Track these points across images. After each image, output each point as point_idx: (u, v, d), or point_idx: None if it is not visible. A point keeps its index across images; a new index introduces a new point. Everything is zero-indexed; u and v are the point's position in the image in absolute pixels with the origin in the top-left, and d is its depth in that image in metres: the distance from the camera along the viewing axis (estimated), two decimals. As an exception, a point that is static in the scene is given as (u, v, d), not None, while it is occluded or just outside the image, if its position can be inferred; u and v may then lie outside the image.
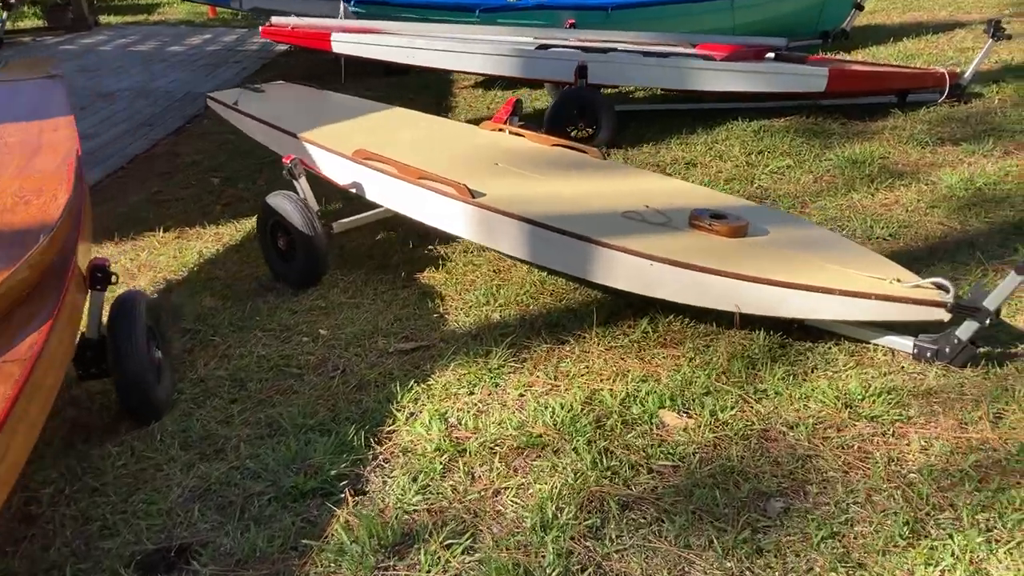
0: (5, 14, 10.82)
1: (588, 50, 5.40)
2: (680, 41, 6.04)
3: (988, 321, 2.60)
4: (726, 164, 4.95)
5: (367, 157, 3.76)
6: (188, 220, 4.70)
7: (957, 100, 5.79)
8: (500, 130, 4.30)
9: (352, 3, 6.98)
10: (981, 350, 2.78)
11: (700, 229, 3.14)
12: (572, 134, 5.35)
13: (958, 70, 5.78)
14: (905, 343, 2.82)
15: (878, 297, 2.72)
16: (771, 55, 5.86)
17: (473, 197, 3.37)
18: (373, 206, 3.86)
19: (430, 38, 5.55)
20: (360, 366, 3.08)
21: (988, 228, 3.84)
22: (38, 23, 13.02)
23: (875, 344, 2.93)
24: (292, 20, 5.74)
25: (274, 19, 5.78)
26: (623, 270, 3.02)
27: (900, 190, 4.39)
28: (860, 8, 8.02)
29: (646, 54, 5.41)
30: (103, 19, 13.22)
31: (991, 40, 5.71)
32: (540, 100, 6.53)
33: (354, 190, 3.85)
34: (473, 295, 3.56)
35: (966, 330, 2.65)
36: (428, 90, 7.31)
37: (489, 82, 7.29)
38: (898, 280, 2.78)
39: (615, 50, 5.46)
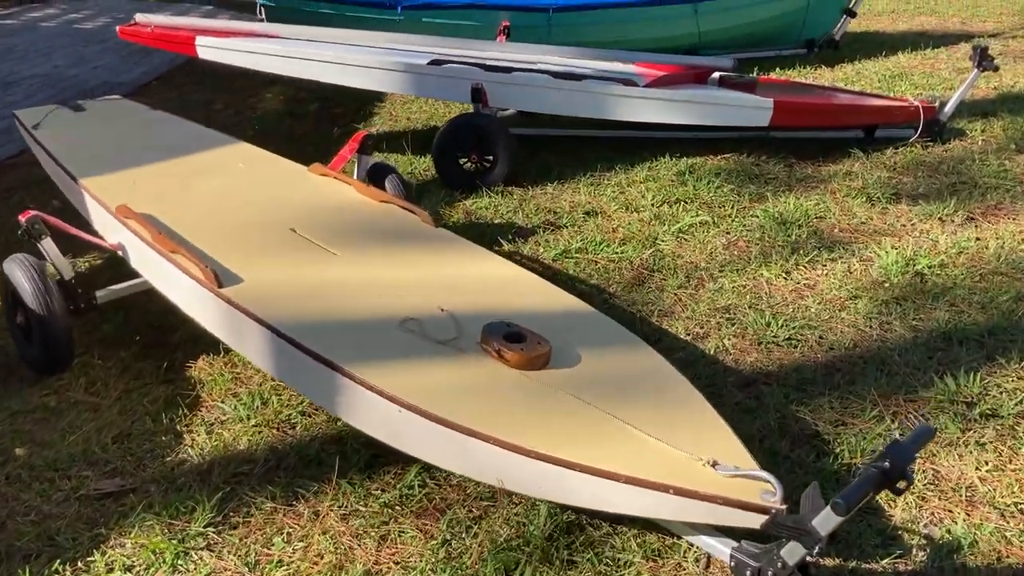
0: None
1: (488, 68, 4.58)
2: (618, 58, 5.19)
3: (817, 549, 1.79)
4: (631, 217, 4.13)
5: (128, 216, 3.01)
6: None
7: (933, 139, 4.90)
8: (329, 176, 3.52)
9: (261, -4, 6.21)
10: None
11: (488, 354, 2.35)
12: (465, 166, 4.56)
13: (936, 103, 4.87)
14: (723, 549, 2.02)
15: (677, 491, 1.92)
16: (717, 76, 4.99)
17: (221, 285, 2.61)
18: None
19: (306, 47, 4.75)
20: (25, 520, 2.34)
21: (911, 339, 3.00)
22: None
23: (689, 542, 2.13)
24: (156, 19, 4.97)
25: (138, 16, 5.02)
26: (369, 413, 2.26)
27: (823, 268, 3.55)
28: (852, 15, 7.06)
29: (556, 75, 4.57)
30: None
31: (976, 70, 4.81)
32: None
33: (121, 252, 3.11)
34: (238, 401, 2.80)
35: (791, 553, 1.84)
36: (346, 97, 6.51)
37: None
38: (715, 464, 1.97)
39: (522, 70, 4.62)
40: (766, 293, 3.38)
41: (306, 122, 6.17)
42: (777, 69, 6.66)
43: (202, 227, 3.02)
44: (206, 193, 3.35)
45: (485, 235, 3.99)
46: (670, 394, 2.27)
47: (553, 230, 4.02)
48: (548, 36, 6.30)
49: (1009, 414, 2.55)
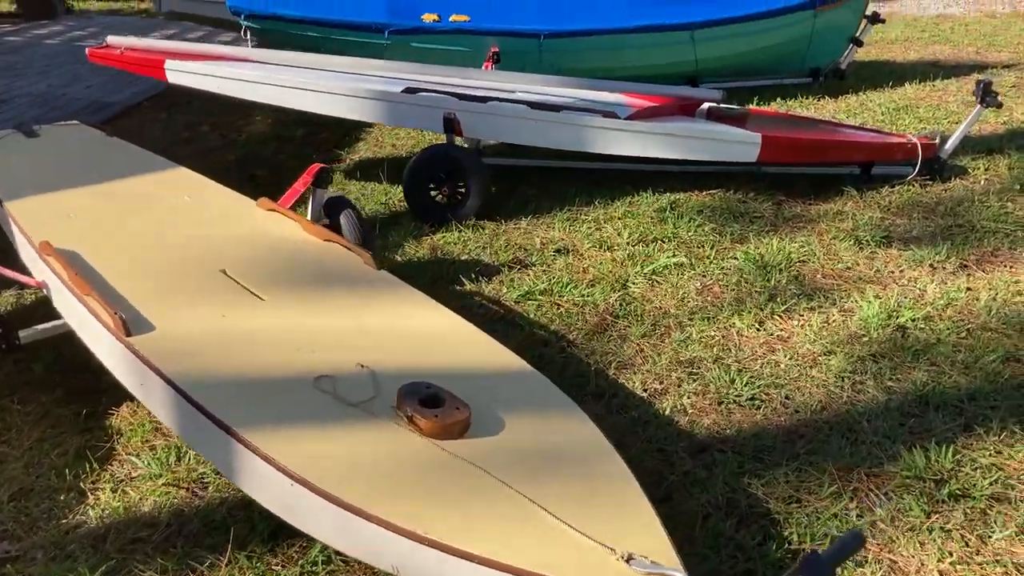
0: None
1: (463, 97, 4.40)
2: (607, 88, 4.98)
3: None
4: (603, 256, 3.92)
5: (48, 253, 2.85)
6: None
7: (932, 177, 4.66)
8: (277, 211, 3.34)
9: (243, 16, 6.08)
10: None
11: (401, 419, 2.15)
12: (437, 198, 4.37)
13: (936, 140, 4.63)
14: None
15: (579, 594, 1.71)
16: (706, 107, 4.78)
17: (129, 333, 2.43)
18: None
19: (277, 72, 4.60)
20: None
21: (884, 402, 2.76)
22: (12, 8, 12.46)
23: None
24: (128, 41, 4.84)
25: (109, 39, 4.89)
26: (264, 484, 2.06)
27: (800, 318, 3.32)
28: (859, 44, 6.84)
29: (534, 105, 4.38)
30: (82, 4, 12.57)
31: (980, 106, 4.57)
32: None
33: (45, 290, 2.95)
34: (152, 455, 2.62)
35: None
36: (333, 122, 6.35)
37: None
38: (629, 558, 1.75)
39: (498, 99, 4.44)
40: (735, 345, 3.15)
41: (291, 147, 6.03)
42: (778, 99, 6.44)
43: (128, 266, 2.85)
44: (142, 228, 3.18)
45: (448, 273, 3.80)
46: (598, 472, 2.05)
47: (521, 269, 3.81)
48: (539, 63, 6.12)
49: (981, 495, 2.31)
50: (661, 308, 3.45)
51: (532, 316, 3.42)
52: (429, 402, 2.15)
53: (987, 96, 4.54)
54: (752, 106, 6.02)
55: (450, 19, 6.12)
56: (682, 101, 4.76)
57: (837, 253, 3.88)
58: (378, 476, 1.97)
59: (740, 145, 4.35)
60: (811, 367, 2.99)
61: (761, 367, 3.00)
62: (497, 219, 4.37)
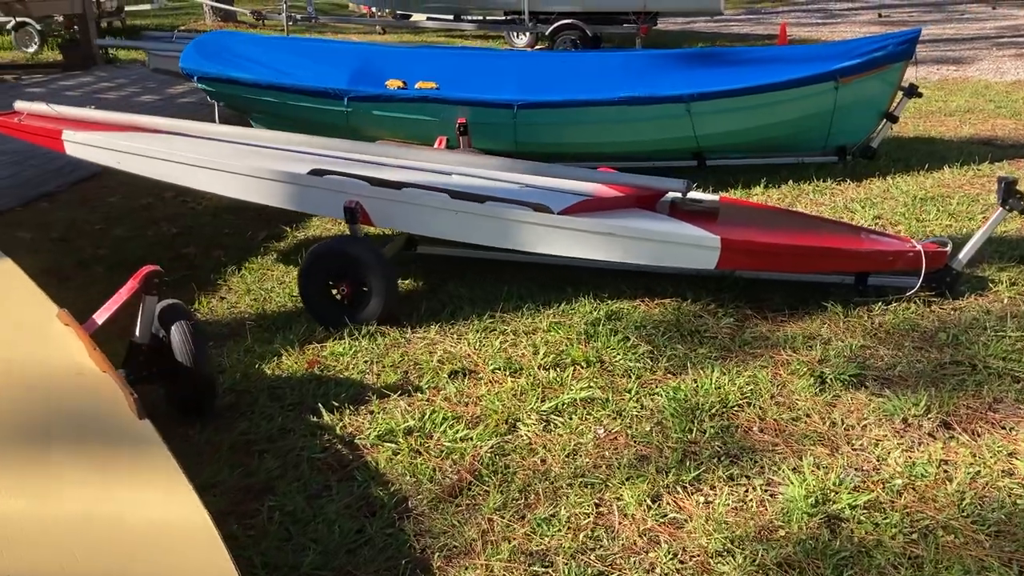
0: (-23, 51, 10.23)
1: (376, 182, 3.81)
2: (575, 176, 4.21)
3: None
4: (505, 383, 3.24)
5: None
6: None
7: (941, 293, 3.84)
8: (70, 327, 2.78)
9: (196, 79, 5.65)
10: None
11: None
12: (338, 297, 3.77)
13: (947, 247, 3.82)
14: None
15: None
16: (672, 197, 4.07)
17: None
18: None
19: (178, 145, 4.10)
20: None
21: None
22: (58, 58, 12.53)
23: None
24: (33, 107, 4.43)
25: (17, 104, 4.49)
26: None
27: (708, 494, 2.57)
28: (893, 120, 6.02)
29: (455, 194, 3.76)
30: (124, 54, 12.51)
31: (1002, 209, 3.77)
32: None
33: None
34: None
35: None
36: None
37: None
38: None
39: (416, 185, 3.83)
40: (610, 531, 2.42)
41: (244, 219, 5.53)
42: (790, 182, 5.67)
43: None
44: None
45: (311, 396, 3.18)
46: None
47: (398, 396, 3.17)
48: (513, 137, 5.51)
49: None
50: (542, 464, 2.75)
51: (380, 467, 2.76)
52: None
53: (1010, 197, 3.73)
54: (735, 196, 5.29)
55: (416, 86, 5.57)
56: (641, 192, 4.06)
57: (790, 395, 3.11)
58: None
59: (694, 250, 3.63)
60: (697, 571, 2.24)
61: (632, 569, 2.26)
62: (404, 325, 3.74)
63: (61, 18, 13.01)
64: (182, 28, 17.07)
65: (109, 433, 2.26)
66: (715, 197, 4.38)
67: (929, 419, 2.92)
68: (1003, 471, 2.63)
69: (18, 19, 13.37)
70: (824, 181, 5.66)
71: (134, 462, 2.16)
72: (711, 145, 5.72)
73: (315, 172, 3.89)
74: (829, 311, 3.75)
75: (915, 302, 3.80)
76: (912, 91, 6.00)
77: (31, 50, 13.62)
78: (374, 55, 5.97)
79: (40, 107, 4.42)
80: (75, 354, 2.62)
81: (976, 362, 3.28)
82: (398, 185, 3.83)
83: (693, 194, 4.28)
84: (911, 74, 5.95)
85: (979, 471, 2.63)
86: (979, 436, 2.83)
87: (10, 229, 5.41)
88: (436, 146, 4.85)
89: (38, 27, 13.76)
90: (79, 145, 4.17)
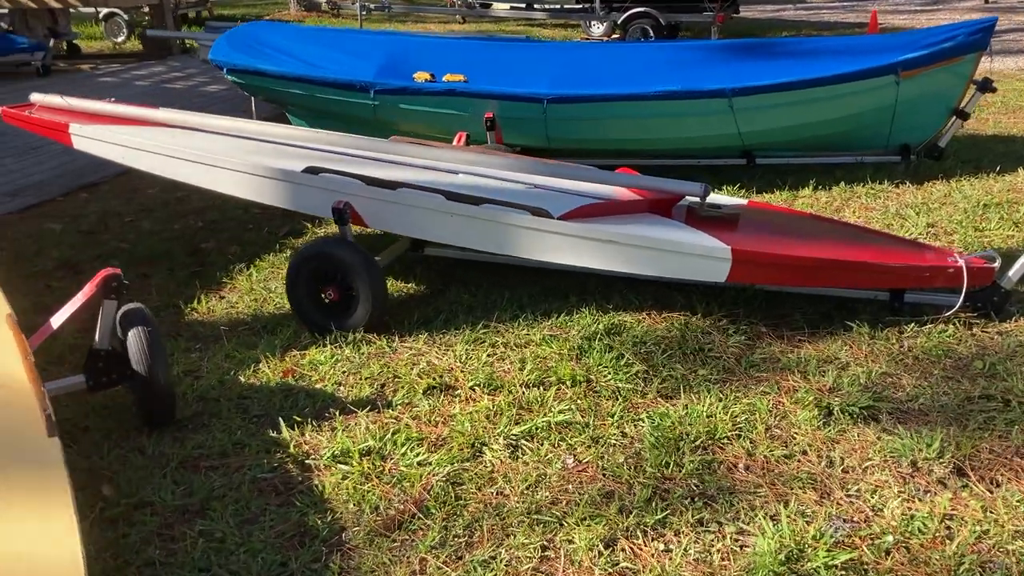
0: (51, 42, 10.51)
1: (371, 182, 3.63)
2: (593, 178, 3.93)
3: None
4: (481, 401, 3.04)
5: None
6: None
7: (985, 313, 3.45)
8: (12, 334, 2.69)
9: (225, 71, 5.58)
10: None
11: None
12: (327, 301, 3.61)
13: (995, 263, 3.43)
14: None
15: None
16: (690, 202, 3.78)
17: None
18: None
19: (178, 140, 4.01)
20: None
21: None
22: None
23: None
24: (47, 99, 4.41)
25: (34, 96, 4.48)
26: None
27: (670, 542, 2.31)
28: (964, 116, 5.53)
29: (450, 195, 3.56)
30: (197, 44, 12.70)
31: (1057, 221, 3.33)
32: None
33: None
34: None
35: None
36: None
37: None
38: None
39: (412, 185, 3.64)
40: (549, 581, 2.19)
41: (271, 213, 5.44)
42: (842, 184, 5.26)
43: None
44: None
45: (271, 411, 3.04)
46: None
47: (366, 412, 2.99)
48: (544, 132, 5.26)
49: None
50: (497, 497, 2.53)
51: (324, 492, 2.58)
52: None
53: (1068, 209, 3.30)
54: (782, 197, 4.94)
55: (443, 79, 5.37)
56: (657, 196, 3.77)
57: (788, 428, 2.80)
58: None
59: (702, 260, 3.33)
60: (633, 639, 1.99)
61: (561, 628, 2.03)
62: (393, 333, 3.56)
63: (147, 8, 13.33)
64: (266, 17, 17.34)
65: (12, 450, 2.14)
66: (742, 201, 4.05)
67: (942, 463, 2.57)
68: (1016, 532, 2.28)
69: (108, 9, 13.76)
70: (880, 183, 5.23)
71: (25, 484, 2.03)
72: (758, 143, 5.35)
73: (310, 170, 3.74)
74: (854, 331, 3.40)
75: (954, 323, 3.42)
76: (986, 85, 5.50)
77: (119, 40, 14.01)
78: (406, 46, 5.79)
79: (54, 99, 4.39)
80: (7, 363, 2.52)
81: (1011, 397, 2.91)
82: (393, 185, 3.64)
83: (716, 198, 3.98)
84: (985, 67, 5.44)
85: (987, 530, 2.29)
86: (997, 486, 2.48)
87: (44, 220, 5.45)
88: (455, 142, 4.64)
89: (126, 17, 14.14)
90: (85, 139, 4.11)
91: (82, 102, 4.42)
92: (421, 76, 5.38)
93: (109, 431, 2.96)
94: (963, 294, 3.40)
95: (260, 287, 4.18)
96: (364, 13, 14.24)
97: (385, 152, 4.08)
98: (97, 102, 4.44)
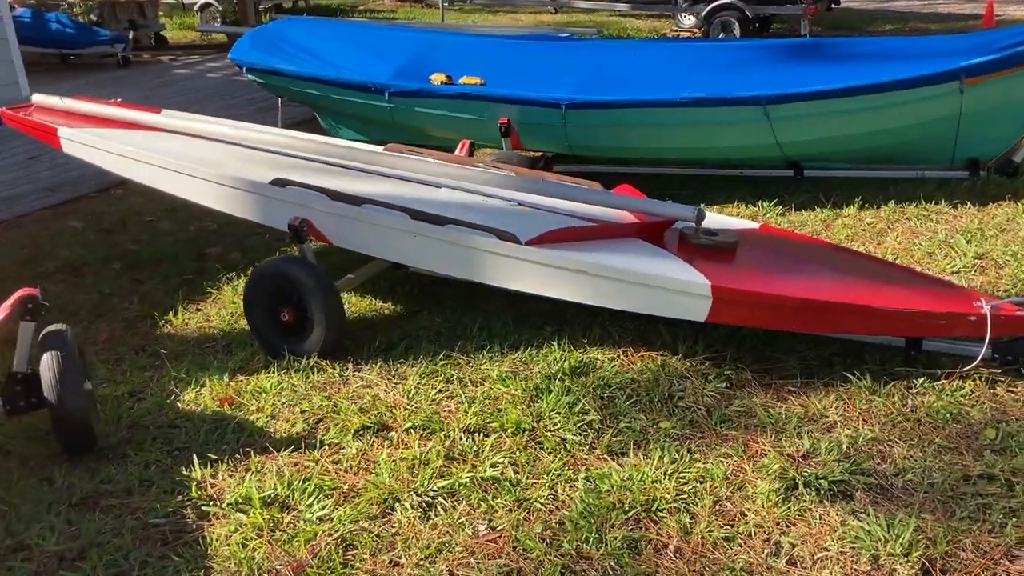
0: (131, 33, 10.72)
1: (336, 196, 3.41)
2: (598, 199, 3.60)
3: None
4: (414, 446, 2.78)
5: None
6: None
7: (1016, 367, 2.98)
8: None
9: (245, 70, 5.46)
10: None
11: None
12: (284, 320, 3.41)
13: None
14: None
15: None
16: (685, 227, 3.42)
17: None
18: None
19: (153, 145, 3.88)
20: None
21: None
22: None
23: None
24: (46, 100, 4.35)
25: (35, 97, 4.43)
26: None
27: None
28: (1041, 128, 4.91)
29: (415, 214, 3.30)
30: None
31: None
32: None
33: None
34: None
35: None
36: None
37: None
38: None
39: (376, 202, 3.39)
40: None
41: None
42: (891, 202, 4.75)
43: None
44: None
45: (194, 444, 2.86)
46: None
47: (288, 452, 2.78)
48: (564, 138, 4.93)
49: None
50: (388, 567, 2.27)
51: (210, 545, 2.38)
52: None
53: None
54: (824, 214, 4.47)
55: (460, 81, 5.10)
56: (646, 220, 3.42)
57: (740, 503, 2.44)
58: None
59: (679, 297, 2.98)
60: None
61: None
62: (349, 359, 3.34)
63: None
64: (360, 8, 17.44)
65: None
66: (753, 225, 3.66)
67: (908, 562, 2.18)
68: (973, 664, 1.88)
69: (204, 0, 14.04)
70: (936, 203, 4.69)
71: None
72: (800, 154, 4.89)
73: (276, 182, 3.54)
74: (852, 384, 2.98)
75: (975, 379, 2.96)
76: (1067, 95, 4.86)
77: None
78: (429, 44, 5.55)
79: (53, 100, 4.34)
80: None
81: (1017, 480, 2.46)
82: (358, 201, 3.41)
83: (725, 220, 3.60)
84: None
85: (940, 658, 1.89)
86: (968, 598, 2.07)
87: (66, 218, 5.46)
88: (458, 151, 4.37)
89: (219, 7, 14.39)
90: (73, 143, 4.04)
91: (79, 104, 4.35)
92: (437, 78, 5.13)
93: (28, 457, 2.84)
94: (985, 345, 2.93)
95: (241, 300, 4.02)
96: (445, 4, 14.07)
97: (374, 163, 3.85)
98: (95, 104, 4.37)
